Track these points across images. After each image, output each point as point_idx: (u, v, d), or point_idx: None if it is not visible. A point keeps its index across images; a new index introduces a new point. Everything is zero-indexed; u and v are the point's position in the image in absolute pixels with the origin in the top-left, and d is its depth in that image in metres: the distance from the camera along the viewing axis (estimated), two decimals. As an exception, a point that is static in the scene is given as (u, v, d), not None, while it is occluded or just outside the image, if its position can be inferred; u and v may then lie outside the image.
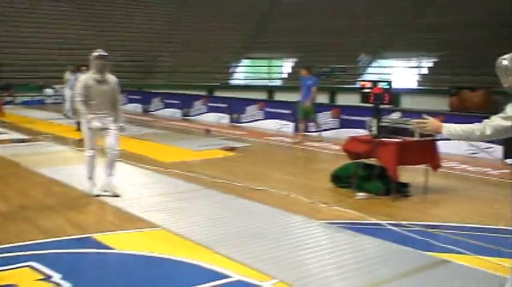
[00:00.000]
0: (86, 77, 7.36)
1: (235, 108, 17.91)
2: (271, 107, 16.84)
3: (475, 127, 3.67)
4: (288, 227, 6.01)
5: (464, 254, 5.23)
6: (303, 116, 13.81)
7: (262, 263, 4.95)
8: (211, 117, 18.60)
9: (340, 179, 8.12)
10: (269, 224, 6.17)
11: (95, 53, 7.37)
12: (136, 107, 22.27)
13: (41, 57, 26.97)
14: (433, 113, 12.03)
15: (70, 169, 9.38)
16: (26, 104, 23.97)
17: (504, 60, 3.60)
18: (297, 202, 7.23)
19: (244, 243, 5.50)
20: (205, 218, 6.42)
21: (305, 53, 30.32)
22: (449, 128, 3.78)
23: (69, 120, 16.07)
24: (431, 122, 3.90)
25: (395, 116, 7.93)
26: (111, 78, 7.46)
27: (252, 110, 17.23)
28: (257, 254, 5.20)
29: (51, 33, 29.77)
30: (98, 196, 7.31)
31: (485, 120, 3.66)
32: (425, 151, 7.61)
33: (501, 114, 3.59)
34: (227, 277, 4.64)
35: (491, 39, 23.41)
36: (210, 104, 19.08)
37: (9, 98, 23.76)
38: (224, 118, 18.14)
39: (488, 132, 3.60)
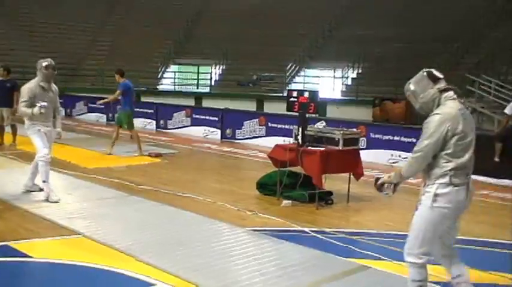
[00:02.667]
0: (32, 85, 7.23)
1: (162, 114, 17.70)
2: (199, 113, 16.78)
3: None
4: (214, 235, 6.00)
5: (383, 260, 5.42)
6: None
7: (186, 270, 4.91)
8: (137, 122, 18.24)
9: (266, 186, 8.21)
10: (195, 231, 6.14)
11: (45, 63, 7.27)
12: (59, 110, 21.49)
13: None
14: (356, 123, 12.50)
15: (-15, 173, 8.94)
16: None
17: (410, 85, 3.83)
18: (223, 210, 7.23)
19: (169, 250, 5.44)
20: (129, 225, 6.30)
21: (234, 60, 30.49)
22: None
23: None
24: (391, 177, 4.14)
25: (321, 125, 8.12)
26: (54, 86, 7.53)
27: (179, 117, 17.10)
28: (182, 261, 5.15)
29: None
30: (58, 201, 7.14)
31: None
32: (348, 160, 7.84)
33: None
34: (151, 284, 4.57)
35: (414, 53, 24.49)
36: (136, 109, 18.70)
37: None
38: (151, 124, 17.88)
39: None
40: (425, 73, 3.78)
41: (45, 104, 7.08)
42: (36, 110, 7.04)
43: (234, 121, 15.45)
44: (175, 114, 17.24)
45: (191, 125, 16.63)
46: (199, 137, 15.62)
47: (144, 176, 9.42)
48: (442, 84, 3.75)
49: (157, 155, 11.71)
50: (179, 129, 16.85)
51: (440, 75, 3.79)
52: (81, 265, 4.99)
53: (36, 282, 4.69)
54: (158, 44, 32.33)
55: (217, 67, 31.01)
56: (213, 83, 29.94)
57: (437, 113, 3.67)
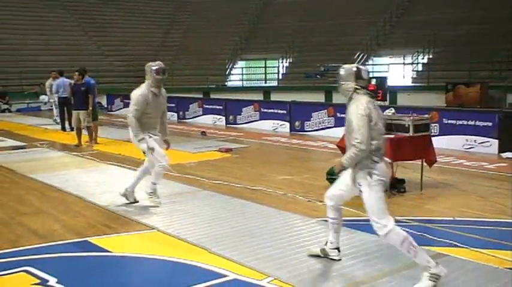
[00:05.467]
0: (145, 92, 6.73)
1: (231, 109, 17.90)
2: (267, 107, 16.83)
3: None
4: (285, 226, 6.00)
5: (461, 247, 5.23)
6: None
7: (258, 261, 4.95)
8: (207, 119, 18.59)
9: (336, 177, 8.09)
10: (266, 223, 6.16)
11: (156, 67, 6.80)
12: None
13: (36, 64, 26.88)
14: (428, 109, 12.09)
15: (65, 174, 9.37)
16: (22, 111, 23.92)
17: (342, 69, 4.61)
18: (294, 201, 7.22)
19: (241, 242, 5.49)
20: (201, 219, 6.41)
21: (300, 53, 30.34)
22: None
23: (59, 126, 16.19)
24: (336, 163, 4.62)
25: (389, 112, 7.92)
26: (163, 90, 6.99)
27: (247, 111, 17.22)
28: (253, 252, 5.19)
29: (46, 39, 29.70)
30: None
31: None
32: (420, 147, 7.62)
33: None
34: (223, 276, 4.63)
35: (486, 35, 23.44)
36: (206, 106, 19.07)
37: (4, 106, 23.70)
38: (220, 120, 18.13)
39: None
40: (355, 69, 4.53)
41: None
42: (144, 147, 6.74)
43: (302, 113, 15.39)
44: (244, 109, 17.37)
45: (260, 119, 16.70)
46: (269, 130, 15.66)
47: (215, 171, 9.56)
48: (361, 84, 4.47)
49: (228, 150, 11.85)
50: (248, 124, 16.97)
51: (365, 77, 4.54)
52: (157, 259, 5.14)
53: (116, 276, 4.86)
54: (225, 41, 32.70)
55: (284, 60, 30.97)
56: (280, 77, 29.94)
57: (360, 102, 4.36)
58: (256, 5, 35.47)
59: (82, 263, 5.14)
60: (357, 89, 4.46)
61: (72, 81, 13.45)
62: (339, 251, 4.94)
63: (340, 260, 4.92)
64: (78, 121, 12.67)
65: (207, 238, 5.65)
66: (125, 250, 5.40)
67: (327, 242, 4.95)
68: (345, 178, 4.67)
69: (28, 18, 30.57)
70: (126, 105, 22.77)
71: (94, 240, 5.69)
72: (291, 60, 30.86)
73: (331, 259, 4.91)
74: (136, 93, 6.77)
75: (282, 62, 30.91)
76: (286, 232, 5.78)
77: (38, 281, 4.58)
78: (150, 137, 6.79)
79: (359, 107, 4.35)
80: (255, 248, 5.31)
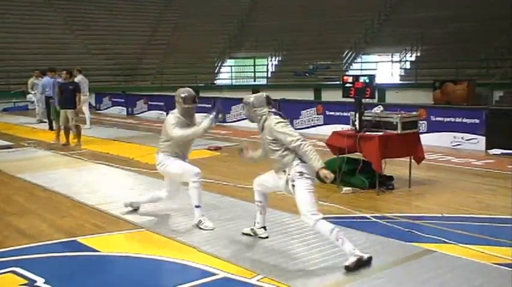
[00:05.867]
0: (178, 120, 6.27)
1: (220, 108, 17.84)
2: (256, 105, 16.81)
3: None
4: (275, 224, 5.99)
5: (449, 243, 5.26)
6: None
7: (247, 259, 4.95)
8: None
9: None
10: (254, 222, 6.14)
11: (185, 94, 6.30)
12: (121, 110, 22.15)
13: (23, 63, 26.65)
14: (416, 107, 12.14)
15: (53, 173, 9.31)
16: (8, 110, 23.72)
17: (251, 98, 5.29)
18: (284, 199, 7.18)
19: (230, 241, 5.50)
20: (190, 218, 6.36)
21: (289, 51, 30.36)
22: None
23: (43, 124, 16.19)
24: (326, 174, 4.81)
25: (378, 110, 7.95)
26: (197, 120, 6.59)
27: (236, 110, 17.20)
28: (243, 251, 5.20)
29: (33, 38, 29.47)
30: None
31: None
32: (408, 144, 7.65)
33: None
34: (213, 274, 4.63)
35: (473, 32, 23.61)
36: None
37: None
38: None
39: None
40: (265, 96, 5.29)
41: None
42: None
43: (291, 111, 15.38)
44: (233, 107, 17.35)
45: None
46: (257, 129, 15.61)
47: (204, 169, 9.41)
48: (270, 108, 5.21)
49: (217, 149, 11.83)
50: (237, 122, 16.95)
51: (272, 101, 5.30)
52: (146, 258, 5.12)
53: (104, 275, 4.83)
54: (214, 40, 32.65)
55: (273, 59, 30.98)
56: (269, 75, 29.95)
57: (275, 118, 5.14)
58: (245, 3, 35.45)
59: (70, 263, 5.11)
60: (270, 112, 5.19)
61: (58, 80, 13.39)
62: (265, 229, 5.55)
63: (267, 237, 5.48)
64: (65, 120, 12.57)
65: (197, 236, 5.65)
66: (113, 250, 5.37)
67: (255, 223, 5.56)
68: (273, 177, 5.23)
69: (14, 17, 30.31)
70: (115, 103, 22.70)
71: (82, 240, 5.66)
72: (280, 59, 30.90)
73: (260, 237, 5.48)
74: (170, 121, 6.23)
75: (271, 60, 30.93)
76: (276, 229, 5.78)
77: (25, 281, 4.54)
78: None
79: (277, 121, 5.09)
80: (245, 247, 5.32)
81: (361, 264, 4.64)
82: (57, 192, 7.86)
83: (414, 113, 8.41)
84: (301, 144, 4.86)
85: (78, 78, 14.88)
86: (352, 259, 4.61)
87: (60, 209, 6.98)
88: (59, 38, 30.04)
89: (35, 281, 4.53)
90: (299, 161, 4.90)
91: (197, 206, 6.04)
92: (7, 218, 6.59)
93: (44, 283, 4.48)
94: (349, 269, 4.59)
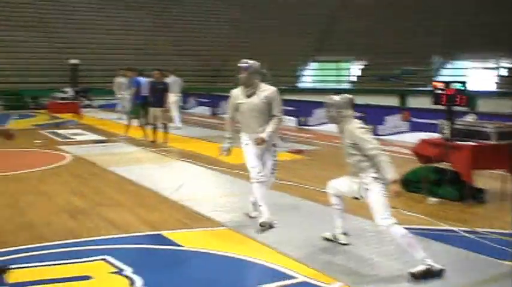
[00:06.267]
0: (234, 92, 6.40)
1: (302, 111, 17.85)
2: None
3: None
4: (355, 231, 5.90)
5: (543, 263, 4.96)
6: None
7: (327, 265, 4.92)
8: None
9: (410, 183, 7.90)
10: (334, 227, 6.09)
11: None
12: (205, 109, 22.67)
13: (117, 63, 27.91)
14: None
15: (141, 168, 9.68)
16: (103, 107, 24.92)
17: (337, 98, 5.26)
18: (366, 206, 7.08)
19: (310, 245, 5.48)
20: (271, 219, 6.42)
21: (374, 55, 29.83)
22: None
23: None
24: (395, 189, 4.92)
25: (470, 118, 7.64)
26: (264, 88, 6.24)
27: (320, 113, 17.10)
28: (323, 256, 5.17)
29: (125, 39, 30.82)
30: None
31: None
32: (502, 155, 7.27)
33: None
34: (292, 277, 4.64)
35: None
36: (278, 107, 19.07)
37: (87, 102, 24.78)
38: (291, 121, 18.11)
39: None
40: (350, 97, 5.24)
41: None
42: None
43: (375, 117, 15.11)
44: (315, 111, 17.28)
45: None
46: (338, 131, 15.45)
47: (286, 172, 9.54)
48: (353, 111, 5.18)
49: (298, 152, 11.83)
50: (320, 126, 16.85)
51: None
52: (228, 256, 5.21)
53: (187, 270, 4.97)
54: (298, 42, 32.69)
55: (358, 62, 30.57)
56: (353, 79, 29.58)
57: (357, 122, 5.11)
58: (331, 6, 35.20)
59: (156, 255, 5.29)
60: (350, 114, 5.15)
61: (151, 80, 13.87)
62: (346, 235, 5.50)
63: (347, 244, 5.40)
64: (154, 118, 13.04)
65: (276, 238, 5.67)
66: (196, 245, 5.50)
67: (335, 228, 5.51)
68: (347, 182, 5.26)
69: (109, 19, 31.86)
70: (199, 103, 23.25)
71: (167, 234, 5.85)
72: (365, 63, 30.43)
73: (340, 243, 5.43)
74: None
75: (356, 64, 30.54)
76: (356, 236, 5.70)
77: (115, 270, 4.77)
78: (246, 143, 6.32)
79: (357, 126, 5.06)
80: (325, 251, 5.29)
81: (430, 275, 4.52)
82: (145, 186, 8.17)
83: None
84: (378, 153, 4.86)
85: (171, 78, 15.36)
86: (420, 268, 4.54)
87: (147, 203, 7.26)
88: (149, 40, 31.21)
89: (123, 270, 4.73)
90: (375, 168, 4.92)
91: (259, 205, 6.09)
92: (99, 208, 6.94)
93: (132, 272, 4.68)
94: (415, 277, 4.52)
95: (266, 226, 5.92)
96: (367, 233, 5.87)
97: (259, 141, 6.11)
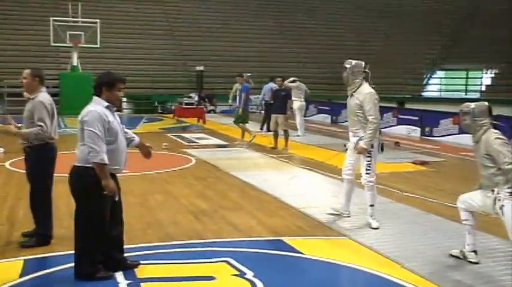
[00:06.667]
0: None
1: (427, 121, 17.19)
2: (468, 120, 15.80)
3: None
4: (487, 249, 5.57)
5: None
6: (237, 122, 13.96)
7: (455, 284, 4.69)
8: (401, 129, 18.10)
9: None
10: (463, 243, 5.79)
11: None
12: (325, 117, 22.61)
13: (241, 70, 28.74)
14: None
15: (262, 174, 9.86)
16: (225, 113, 25.77)
17: (473, 107, 5.00)
18: (498, 223, 6.66)
19: (437, 261, 5.25)
20: (393, 231, 6.27)
21: (507, 64, 28.00)
22: None
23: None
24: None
25: None
26: (361, 90, 6.41)
27: (446, 124, 16.38)
28: (450, 274, 4.95)
29: (249, 46, 31.67)
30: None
31: None
32: None
33: None
34: (417, 294, 4.47)
35: None
36: (401, 117, 18.58)
37: (211, 107, 25.78)
38: (415, 131, 17.51)
39: None
40: (487, 105, 5.00)
41: None
42: None
43: (507, 129, 14.14)
44: (441, 121, 16.57)
45: (459, 133, 15.74)
46: (468, 145, 14.69)
47: (409, 183, 9.28)
48: (491, 119, 4.95)
49: (423, 163, 11.40)
50: (446, 137, 16.12)
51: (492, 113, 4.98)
52: (349, 266, 5.15)
53: (309, 278, 4.97)
54: (425, 50, 31.64)
55: (489, 71, 28.88)
56: (483, 89, 27.99)
57: (496, 133, 4.86)
58: (460, 13, 33.64)
59: (276, 260, 5.36)
60: (491, 123, 4.94)
61: (273, 86, 14.15)
62: (476, 253, 5.18)
63: (477, 263, 5.10)
64: (275, 124, 13.24)
65: (399, 252, 5.50)
66: (317, 253, 5.50)
67: (465, 245, 5.22)
68: (480, 196, 4.98)
69: (234, 25, 32.92)
70: (320, 111, 23.25)
71: (287, 240, 5.90)
72: (496, 71, 28.68)
73: (469, 261, 5.14)
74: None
75: (486, 73, 28.88)
76: (488, 255, 5.38)
77: (237, 272, 4.90)
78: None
79: (496, 137, 4.81)
80: (452, 269, 5.06)
81: None
82: (266, 192, 8.32)
83: None
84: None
85: (296, 84, 15.46)
86: None
87: (268, 208, 7.37)
88: (272, 47, 31.79)
89: (245, 274, 4.85)
90: (510, 183, 4.66)
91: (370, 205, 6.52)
92: (222, 211, 7.17)
93: (253, 276, 4.77)
94: None
95: (333, 213, 6.69)
96: (498, 252, 5.51)
97: (360, 151, 6.45)
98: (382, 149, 6.73)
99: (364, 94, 6.36)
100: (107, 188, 4.47)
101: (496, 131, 4.90)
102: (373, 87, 6.54)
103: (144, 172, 9.59)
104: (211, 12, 33.78)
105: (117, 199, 4.69)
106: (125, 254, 4.97)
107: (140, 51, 29.37)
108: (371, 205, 6.53)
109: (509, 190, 4.65)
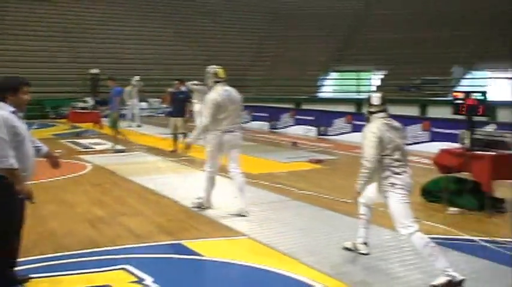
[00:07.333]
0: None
1: (322, 121, 17.85)
2: (359, 119, 16.58)
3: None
4: (376, 241, 5.89)
5: None
6: (111, 125, 13.89)
7: (348, 274, 4.92)
8: (298, 130, 18.65)
9: (431, 193, 7.87)
10: (355, 237, 6.08)
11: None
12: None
13: (137, 73, 28.21)
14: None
15: (162, 178, 9.76)
16: (122, 117, 25.14)
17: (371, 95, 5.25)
18: (385, 216, 7.05)
19: (331, 254, 5.48)
20: (291, 228, 6.45)
21: (395, 65, 29.72)
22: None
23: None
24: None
25: (490, 128, 7.58)
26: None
27: (339, 123, 17.10)
28: (344, 266, 5.18)
29: (146, 48, 31.16)
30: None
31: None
32: (524, 166, 7.21)
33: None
34: (313, 287, 4.64)
35: None
36: (298, 117, 19.14)
37: (108, 112, 25.04)
38: (311, 131, 18.12)
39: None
40: (381, 95, 5.22)
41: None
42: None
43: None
44: (335, 120, 17.28)
45: (352, 131, 16.52)
46: (360, 142, 15.41)
47: (305, 181, 9.58)
48: (372, 109, 5.08)
49: (318, 161, 11.83)
50: (340, 136, 16.83)
51: (376, 103, 5.15)
52: (248, 265, 5.23)
53: (208, 280, 5.01)
54: (318, 52, 32.73)
55: (378, 72, 30.49)
56: (373, 89, 29.49)
57: (376, 124, 5.03)
58: (352, 17, 35.23)
59: (176, 264, 5.34)
60: (371, 112, 5.10)
61: (171, 90, 14.03)
62: (366, 245, 5.47)
63: (368, 254, 5.38)
64: (174, 127, 13.14)
65: (298, 248, 5.68)
66: (216, 255, 5.53)
67: (357, 238, 5.50)
68: (372, 187, 5.20)
69: (131, 28, 32.25)
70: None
71: (187, 243, 5.89)
72: (385, 73, 30.34)
73: (360, 253, 5.42)
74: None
75: (376, 74, 30.46)
76: (377, 246, 5.69)
77: (135, 279, 4.82)
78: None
79: (371, 129, 4.96)
80: (345, 262, 5.30)
81: (452, 286, 4.48)
82: (165, 196, 8.25)
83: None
84: (363, 165, 4.93)
85: (198, 87, 15.36)
86: (441, 280, 4.50)
87: (168, 212, 7.31)
88: (171, 50, 31.50)
89: (144, 280, 4.78)
90: (390, 172, 4.86)
91: None
92: (120, 217, 7.02)
93: (153, 282, 4.72)
94: None
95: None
96: (387, 243, 5.85)
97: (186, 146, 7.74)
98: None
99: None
100: (22, 192, 4.33)
101: (381, 121, 5.02)
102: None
103: (35, 181, 9.13)
104: (107, 15, 32.87)
105: (34, 201, 4.54)
106: (14, 268, 4.72)
107: (31, 54, 27.96)
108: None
109: (391, 181, 4.85)
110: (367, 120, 5.17)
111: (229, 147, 7.13)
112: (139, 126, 20.19)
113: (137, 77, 21.20)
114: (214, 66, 7.36)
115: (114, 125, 13.72)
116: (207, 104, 7.05)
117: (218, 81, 7.20)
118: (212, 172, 7.29)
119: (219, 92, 7.10)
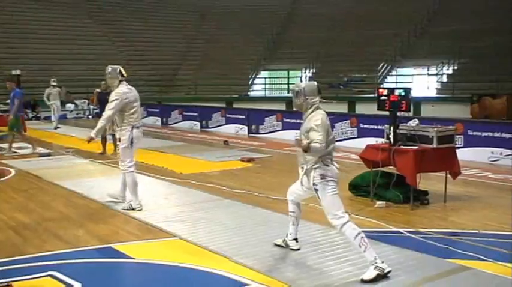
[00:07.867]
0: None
1: (253, 119, 17.96)
2: (290, 117, 16.83)
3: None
4: (307, 236, 5.99)
5: (485, 260, 5.17)
6: (9, 129, 13.26)
7: (279, 271, 4.97)
8: (229, 128, 18.69)
9: (359, 187, 8.10)
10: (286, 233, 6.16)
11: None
12: (156, 120, 22.48)
13: (61, 73, 27.32)
14: (453, 121, 11.96)
15: (90, 181, 9.50)
16: (49, 119, 24.32)
17: (303, 84, 5.21)
18: (315, 211, 7.19)
19: (262, 251, 5.52)
20: (223, 227, 6.45)
21: (324, 63, 30.35)
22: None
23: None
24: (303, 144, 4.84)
25: (413, 123, 7.88)
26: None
27: (270, 121, 17.27)
28: (275, 262, 5.22)
29: (70, 48, 30.20)
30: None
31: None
32: (444, 158, 7.56)
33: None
34: (245, 285, 4.66)
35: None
36: (229, 116, 19.18)
37: (33, 114, 24.15)
38: (243, 129, 18.20)
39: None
40: (316, 84, 5.21)
41: None
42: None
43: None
44: (266, 119, 17.43)
45: (283, 129, 16.72)
46: (291, 140, 15.62)
47: (237, 180, 9.60)
48: (320, 98, 5.10)
49: (250, 160, 11.89)
50: (271, 134, 17.00)
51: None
52: (179, 266, 5.18)
53: (139, 282, 4.92)
54: (248, 51, 32.92)
55: (307, 71, 31.02)
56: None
57: (322, 114, 4.99)
58: (281, 16, 35.63)
59: (106, 269, 5.21)
60: (320, 101, 5.10)
61: (98, 91, 13.69)
62: (296, 241, 5.56)
63: (298, 249, 5.49)
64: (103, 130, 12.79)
65: (229, 246, 5.68)
66: (147, 257, 5.45)
67: (287, 234, 5.57)
68: (301, 181, 5.21)
69: (56, 28, 31.18)
70: (150, 114, 23.05)
71: (118, 246, 5.77)
72: (314, 71, 30.90)
73: (291, 248, 5.50)
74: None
75: (305, 73, 30.96)
76: (307, 241, 5.78)
77: (63, 286, 4.66)
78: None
79: (321, 117, 4.96)
80: (277, 258, 5.34)
81: (380, 279, 4.62)
82: (94, 199, 8.03)
83: (451, 127, 8.24)
84: (319, 144, 4.78)
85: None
86: (371, 274, 4.62)
87: (97, 216, 7.13)
88: (98, 49, 30.70)
89: (72, 286, 4.64)
90: (321, 163, 4.88)
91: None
92: (46, 223, 6.77)
93: (81, 287, 4.59)
94: (366, 282, 4.59)
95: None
96: (317, 238, 5.95)
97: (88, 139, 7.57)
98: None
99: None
100: None
101: (323, 112, 5.03)
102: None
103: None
104: (29, 13, 31.59)
105: None
106: None
107: None
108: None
109: (320, 173, 4.86)
110: (305, 110, 5.17)
111: (137, 142, 7.41)
112: (56, 128, 19.62)
113: (53, 79, 20.69)
114: (115, 66, 7.55)
115: (12, 129, 13.00)
116: (115, 97, 7.22)
117: (122, 80, 7.44)
118: (131, 166, 7.40)
119: (125, 90, 7.41)
